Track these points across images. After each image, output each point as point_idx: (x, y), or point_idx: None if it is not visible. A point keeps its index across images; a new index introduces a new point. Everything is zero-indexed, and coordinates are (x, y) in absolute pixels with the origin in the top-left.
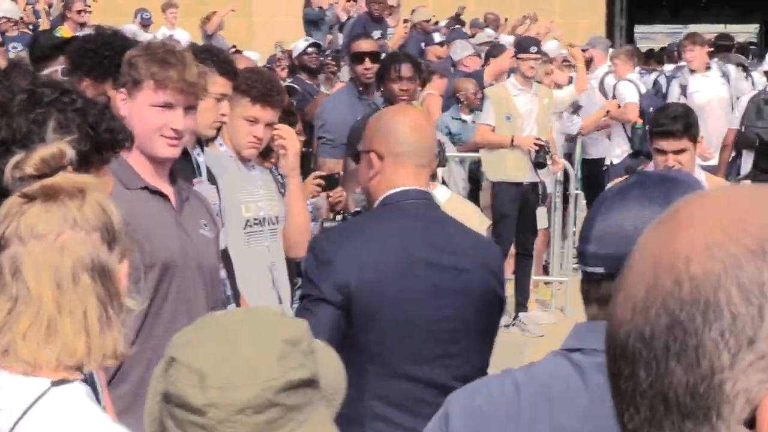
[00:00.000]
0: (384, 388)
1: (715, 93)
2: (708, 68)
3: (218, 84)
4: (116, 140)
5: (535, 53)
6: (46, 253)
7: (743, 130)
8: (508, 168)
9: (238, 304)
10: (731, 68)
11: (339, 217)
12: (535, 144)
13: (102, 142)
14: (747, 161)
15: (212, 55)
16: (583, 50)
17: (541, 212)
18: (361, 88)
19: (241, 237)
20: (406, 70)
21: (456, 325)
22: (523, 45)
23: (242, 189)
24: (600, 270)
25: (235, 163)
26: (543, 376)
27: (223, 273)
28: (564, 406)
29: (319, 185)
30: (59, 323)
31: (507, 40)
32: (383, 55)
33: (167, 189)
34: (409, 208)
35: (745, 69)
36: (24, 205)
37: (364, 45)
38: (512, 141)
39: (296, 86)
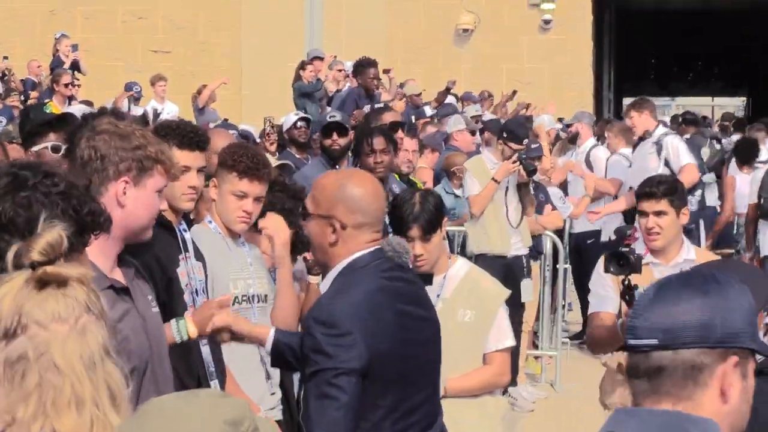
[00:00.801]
0: (397, 423)
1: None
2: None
3: (179, 157)
4: (97, 223)
5: (522, 147)
6: (71, 337)
7: (762, 202)
8: (491, 240)
9: (222, 381)
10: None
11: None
12: (513, 163)
13: (84, 225)
14: (765, 231)
15: (171, 130)
16: (569, 125)
17: (526, 285)
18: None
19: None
20: (378, 143)
21: (435, 367)
22: (514, 134)
23: (230, 265)
24: (653, 342)
25: (224, 240)
26: None
27: (206, 350)
28: None
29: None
30: (90, 402)
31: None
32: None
33: (119, 274)
34: (377, 270)
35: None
36: (33, 291)
37: (388, 117)
38: (495, 180)
39: (289, 162)
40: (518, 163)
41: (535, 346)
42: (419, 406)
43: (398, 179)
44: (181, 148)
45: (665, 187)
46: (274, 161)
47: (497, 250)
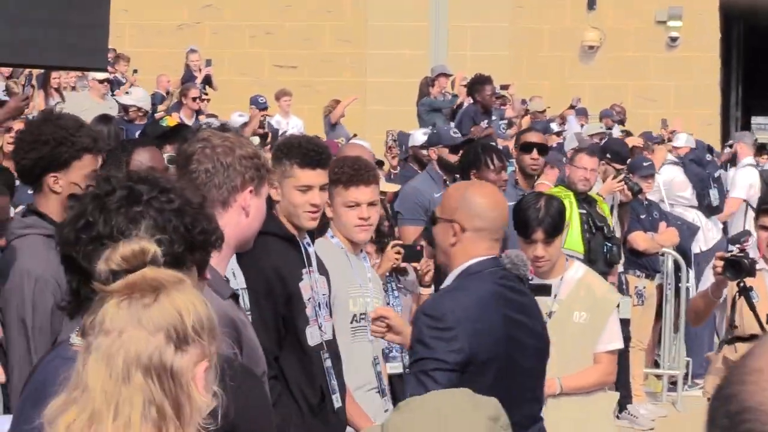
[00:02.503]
0: None
1: None
2: None
3: (300, 176)
4: (209, 242)
5: (624, 166)
6: (107, 349)
7: None
8: None
9: (343, 398)
10: None
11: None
12: (618, 182)
13: (196, 243)
14: None
15: (293, 148)
16: (729, 145)
17: (624, 302)
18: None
19: (347, 330)
20: (498, 159)
21: (539, 375)
22: (617, 154)
23: (351, 282)
24: None
25: (346, 255)
26: None
27: (328, 363)
28: None
29: (398, 253)
30: (103, 417)
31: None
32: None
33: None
34: (492, 277)
35: None
36: (105, 299)
37: (531, 137)
38: (601, 197)
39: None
40: (623, 182)
41: (657, 365)
42: (517, 414)
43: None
44: (302, 167)
45: None
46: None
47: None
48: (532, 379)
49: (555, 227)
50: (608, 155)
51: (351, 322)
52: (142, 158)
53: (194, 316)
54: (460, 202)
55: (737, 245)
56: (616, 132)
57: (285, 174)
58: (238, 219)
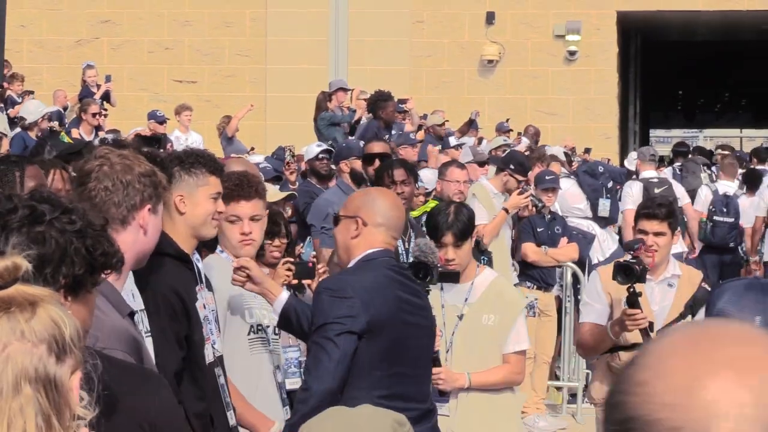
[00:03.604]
0: (379, 389)
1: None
2: None
3: (211, 184)
4: (109, 264)
5: (526, 178)
6: None
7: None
8: (495, 270)
9: (234, 415)
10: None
11: None
12: (525, 197)
13: (96, 265)
14: None
15: (199, 157)
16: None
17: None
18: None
19: (244, 343)
20: (399, 174)
21: (427, 353)
22: (522, 166)
23: (245, 295)
24: None
25: None
26: None
27: (222, 380)
28: None
29: (289, 270)
30: None
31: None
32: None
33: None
34: (386, 264)
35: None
36: None
37: (376, 147)
38: (507, 211)
39: (294, 192)
40: (528, 197)
41: (557, 378)
42: (411, 386)
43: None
44: (213, 174)
45: (666, 210)
46: (274, 192)
47: None
48: (424, 360)
49: (464, 232)
50: (511, 166)
51: (248, 334)
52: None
53: (71, 328)
54: (364, 200)
55: (631, 251)
56: (524, 144)
57: (198, 183)
58: (136, 237)
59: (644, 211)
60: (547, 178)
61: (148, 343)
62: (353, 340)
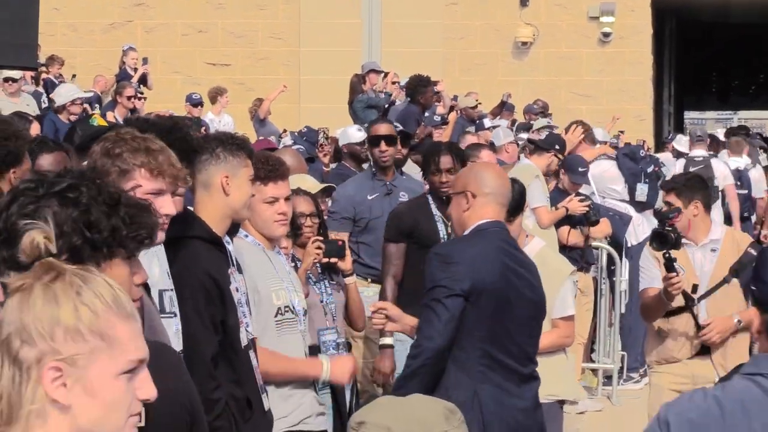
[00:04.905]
0: (484, 349)
1: None
2: None
3: (250, 166)
4: (118, 239)
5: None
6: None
7: None
8: None
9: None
10: None
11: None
12: (584, 206)
13: (98, 240)
14: None
15: (236, 139)
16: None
17: None
18: (375, 170)
19: (272, 325)
20: (445, 162)
21: (534, 326)
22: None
23: (273, 277)
24: None
25: (264, 252)
26: (737, 394)
27: (255, 362)
28: (758, 418)
29: (318, 248)
30: None
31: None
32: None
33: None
34: (497, 234)
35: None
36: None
37: (381, 129)
38: (567, 210)
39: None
40: (589, 206)
41: (592, 360)
42: (514, 350)
43: None
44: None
45: (674, 184)
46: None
47: None
48: (528, 328)
49: (516, 207)
50: (557, 146)
51: (275, 316)
52: (44, 162)
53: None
54: (469, 175)
55: (666, 220)
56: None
57: (241, 164)
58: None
59: (669, 185)
60: (579, 170)
61: (169, 325)
62: (460, 301)
